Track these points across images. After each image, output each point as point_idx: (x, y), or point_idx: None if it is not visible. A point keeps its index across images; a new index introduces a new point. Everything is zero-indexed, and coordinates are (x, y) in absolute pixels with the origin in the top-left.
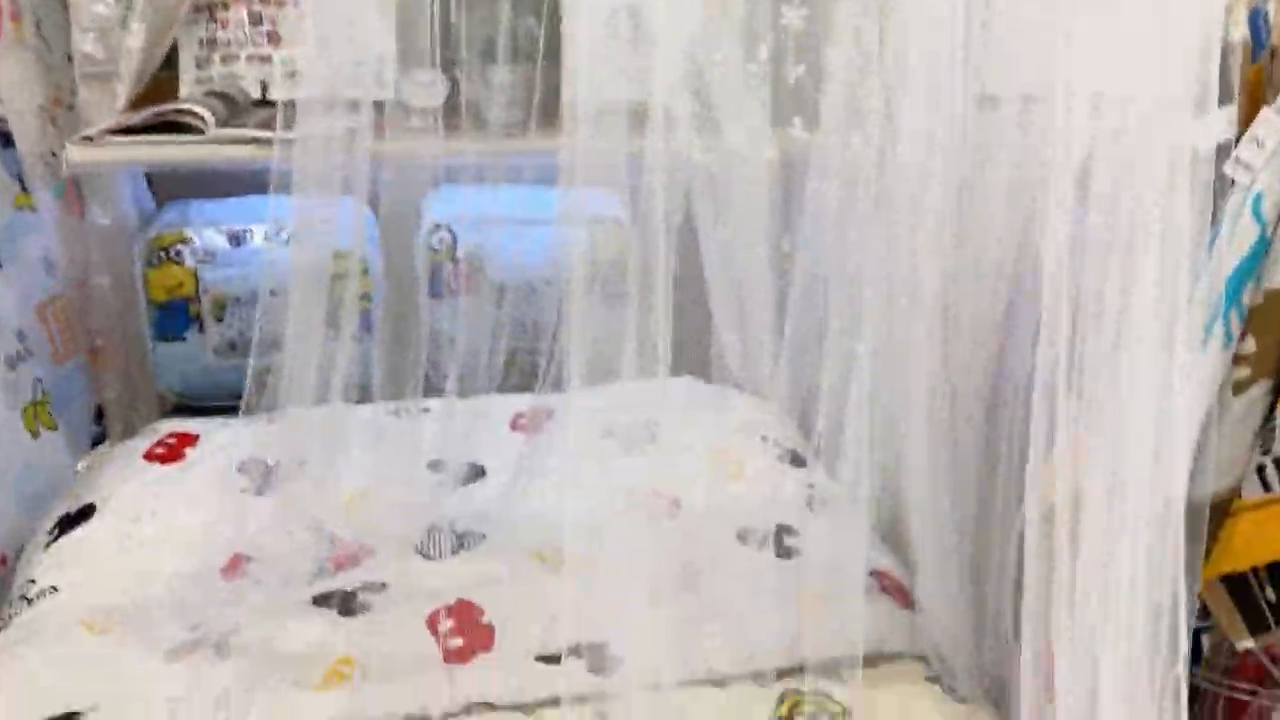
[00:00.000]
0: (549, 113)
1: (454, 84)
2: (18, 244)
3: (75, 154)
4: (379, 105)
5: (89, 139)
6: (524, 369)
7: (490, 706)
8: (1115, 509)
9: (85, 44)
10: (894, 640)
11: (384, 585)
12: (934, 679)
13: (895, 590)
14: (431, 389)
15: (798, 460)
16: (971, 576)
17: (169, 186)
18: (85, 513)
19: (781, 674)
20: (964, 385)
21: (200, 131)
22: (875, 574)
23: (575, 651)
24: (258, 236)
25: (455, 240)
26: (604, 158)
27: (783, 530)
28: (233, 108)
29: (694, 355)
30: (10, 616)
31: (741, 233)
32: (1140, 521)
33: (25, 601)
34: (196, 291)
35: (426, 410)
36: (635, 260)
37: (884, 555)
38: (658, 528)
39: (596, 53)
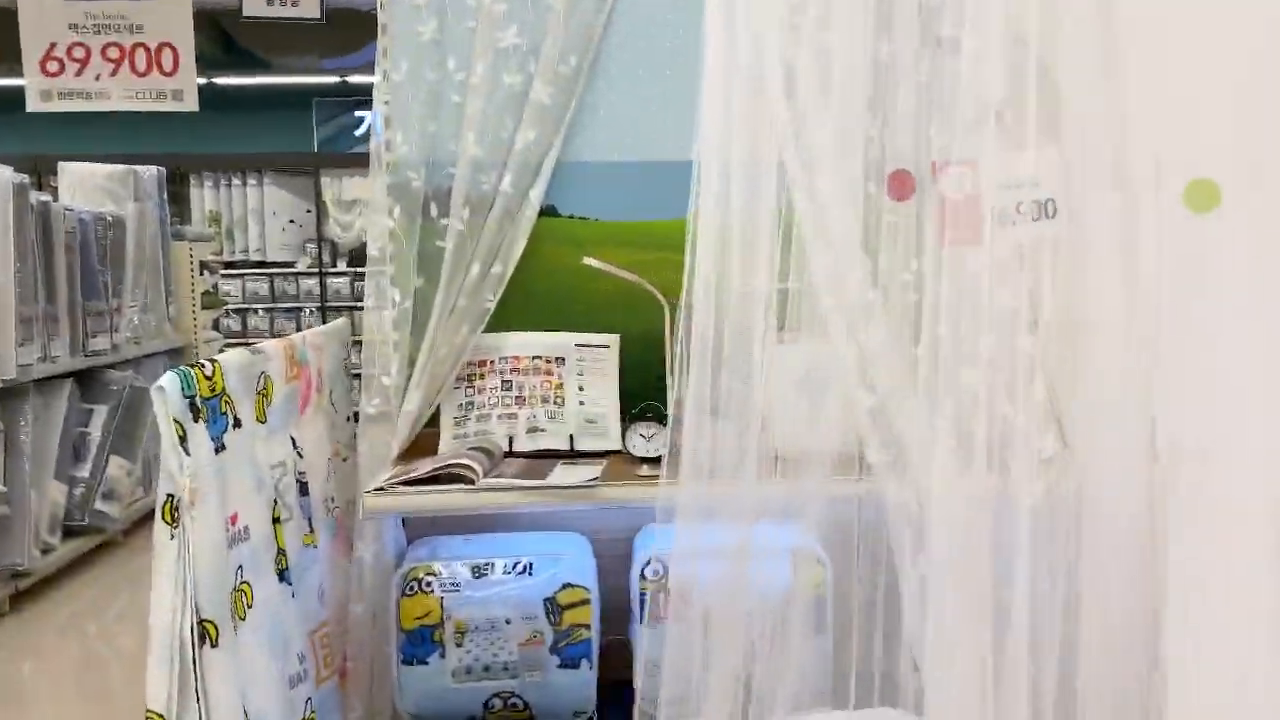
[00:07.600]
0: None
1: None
2: (304, 577)
3: (370, 502)
4: (611, 453)
5: (381, 489)
6: (730, 695)
7: None
8: None
9: (370, 408)
10: None
11: None
12: None
13: None
14: (644, 714)
15: None
16: None
17: (417, 525)
18: None
19: None
20: None
21: (471, 482)
22: None
23: None
24: (498, 569)
25: (666, 572)
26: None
27: None
28: (491, 459)
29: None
30: None
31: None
32: None
33: None
34: (441, 619)
35: None
36: (832, 592)
37: None
38: None
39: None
